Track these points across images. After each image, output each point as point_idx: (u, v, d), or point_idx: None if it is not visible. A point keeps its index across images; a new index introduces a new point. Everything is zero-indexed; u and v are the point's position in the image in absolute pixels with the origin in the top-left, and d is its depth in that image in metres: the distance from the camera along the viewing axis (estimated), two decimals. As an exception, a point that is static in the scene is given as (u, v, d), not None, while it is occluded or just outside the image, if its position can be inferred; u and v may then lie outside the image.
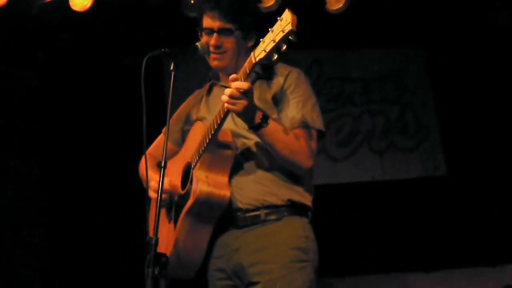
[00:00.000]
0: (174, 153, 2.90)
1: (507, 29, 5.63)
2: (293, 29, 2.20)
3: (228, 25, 2.69)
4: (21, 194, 5.35)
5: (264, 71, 2.72)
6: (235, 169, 2.64)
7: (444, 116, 5.99)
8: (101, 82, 5.65)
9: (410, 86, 6.17)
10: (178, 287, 2.57)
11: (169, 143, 2.64)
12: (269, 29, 2.30)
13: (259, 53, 2.33)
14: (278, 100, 2.69)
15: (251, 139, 2.64)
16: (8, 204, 5.27)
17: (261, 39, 2.34)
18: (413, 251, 5.54)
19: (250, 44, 2.74)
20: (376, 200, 5.69)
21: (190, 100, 3.02)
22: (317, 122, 2.68)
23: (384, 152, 6.03)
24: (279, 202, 2.61)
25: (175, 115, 2.97)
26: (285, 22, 2.22)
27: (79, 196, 5.43)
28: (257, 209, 2.61)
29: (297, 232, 2.62)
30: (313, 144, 2.65)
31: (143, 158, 2.80)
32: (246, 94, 2.41)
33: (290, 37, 2.23)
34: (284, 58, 2.36)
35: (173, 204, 2.77)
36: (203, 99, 2.91)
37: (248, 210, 2.61)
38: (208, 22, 2.71)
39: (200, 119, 2.81)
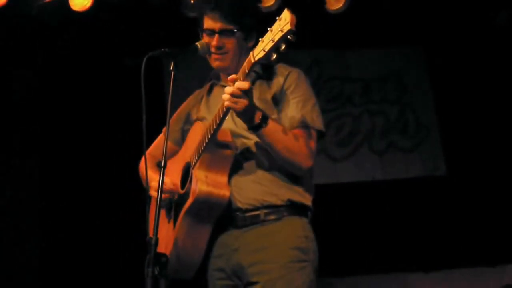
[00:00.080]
0: (174, 153, 2.90)
1: (507, 29, 5.63)
2: (292, 29, 2.20)
3: (230, 26, 2.68)
4: (21, 194, 5.35)
5: (264, 71, 2.71)
6: (235, 169, 2.64)
7: (444, 116, 5.98)
8: (101, 82, 5.64)
9: (410, 86, 6.16)
10: (178, 287, 2.57)
11: (169, 143, 2.65)
12: (268, 29, 2.29)
13: (258, 53, 2.33)
14: (278, 100, 2.68)
15: (251, 139, 2.64)
16: (8, 204, 5.27)
17: (260, 39, 2.33)
18: (413, 251, 5.53)
19: (250, 44, 2.72)
20: (376, 200, 5.69)
21: (190, 100, 3.02)
22: (317, 122, 2.67)
23: (384, 152, 6.03)
24: (279, 202, 2.61)
25: (175, 115, 2.97)
26: (284, 21, 2.22)
27: (79, 196, 5.43)
28: (257, 209, 2.60)
29: (296, 232, 2.61)
30: (313, 144, 2.64)
31: (143, 158, 2.79)
32: (246, 93, 2.41)
33: (289, 36, 2.22)
34: (284, 58, 2.36)
35: (172, 203, 2.77)
36: (203, 99, 2.91)
37: (247, 210, 2.61)
38: (209, 23, 2.70)
39: (200, 119, 2.80)
